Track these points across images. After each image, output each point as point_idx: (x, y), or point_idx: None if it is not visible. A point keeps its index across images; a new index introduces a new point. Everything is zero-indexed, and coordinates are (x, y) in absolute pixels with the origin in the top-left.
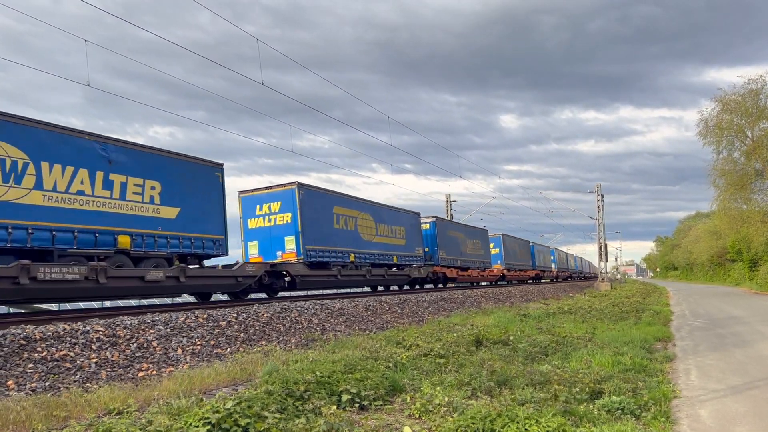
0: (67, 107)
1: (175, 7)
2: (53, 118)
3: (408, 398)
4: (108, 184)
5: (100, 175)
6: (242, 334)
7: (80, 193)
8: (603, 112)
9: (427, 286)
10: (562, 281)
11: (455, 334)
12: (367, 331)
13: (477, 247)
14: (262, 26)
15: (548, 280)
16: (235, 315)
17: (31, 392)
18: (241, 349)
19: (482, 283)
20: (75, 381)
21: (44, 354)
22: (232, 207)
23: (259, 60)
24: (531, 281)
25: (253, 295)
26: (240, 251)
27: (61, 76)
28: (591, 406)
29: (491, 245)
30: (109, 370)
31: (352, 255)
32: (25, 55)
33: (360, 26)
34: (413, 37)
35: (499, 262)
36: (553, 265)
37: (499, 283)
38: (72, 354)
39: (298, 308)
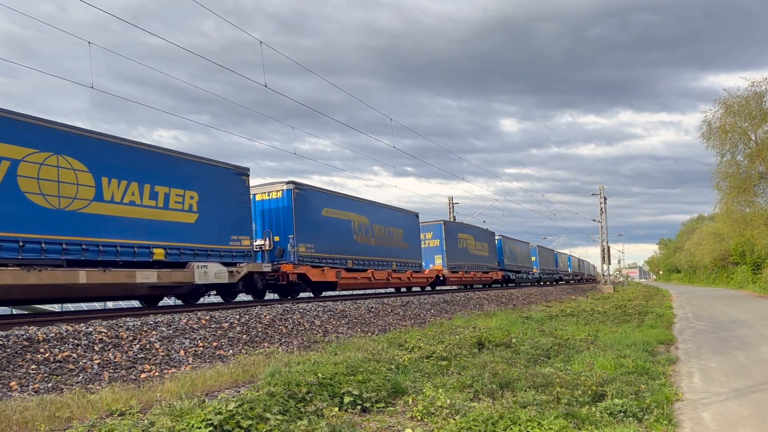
0: (74, 111)
1: (180, 14)
2: (59, 121)
3: (410, 400)
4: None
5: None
6: (244, 336)
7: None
8: (603, 117)
9: None
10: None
11: (457, 337)
12: (370, 333)
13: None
14: (266, 33)
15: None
16: (237, 317)
17: (34, 393)
18: (243, 350)
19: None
20: (78, 382)
21: (47, 355)
22: None
23: (262, 63)
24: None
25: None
26: None
27: (66, 78)
28: (593, 409)
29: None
30: (111, 371)
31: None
32: (32, 61)
33: (362, 33)
34: (415, 43)
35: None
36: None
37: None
38: (75, 355)
39: (300, 310)
